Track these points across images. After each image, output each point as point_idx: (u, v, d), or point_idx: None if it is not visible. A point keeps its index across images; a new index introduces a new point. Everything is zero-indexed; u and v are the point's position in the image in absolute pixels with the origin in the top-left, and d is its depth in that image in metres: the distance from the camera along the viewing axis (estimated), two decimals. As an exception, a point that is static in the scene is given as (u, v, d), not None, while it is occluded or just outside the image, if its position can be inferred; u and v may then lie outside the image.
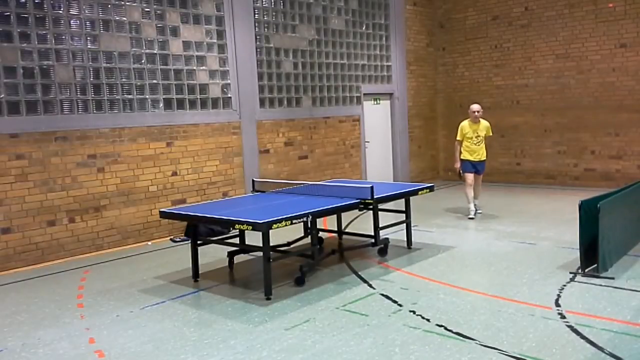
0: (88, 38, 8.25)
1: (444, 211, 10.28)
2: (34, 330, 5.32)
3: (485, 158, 9.81)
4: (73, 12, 8.09)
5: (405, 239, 7.75)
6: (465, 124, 9.77)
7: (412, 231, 7.83)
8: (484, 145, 9.75)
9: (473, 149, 9.67)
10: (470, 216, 9.61)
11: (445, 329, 4.85)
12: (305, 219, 6.09)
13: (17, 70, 7.60)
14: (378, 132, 13.17)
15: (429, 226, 9.04)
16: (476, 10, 13.76)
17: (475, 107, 9.77)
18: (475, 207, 9.79)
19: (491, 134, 9.87)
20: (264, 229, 5.57)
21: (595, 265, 6.07)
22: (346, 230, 8.49)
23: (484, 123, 9.77)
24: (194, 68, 9.48)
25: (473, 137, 9.66)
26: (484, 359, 4.25)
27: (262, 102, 10.55)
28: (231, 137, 9.99)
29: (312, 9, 11.43)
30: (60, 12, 7.97)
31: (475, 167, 9.73)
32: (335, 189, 7.33)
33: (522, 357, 4.24)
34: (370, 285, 6.16)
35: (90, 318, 5.58)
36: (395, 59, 13.36)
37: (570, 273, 6.21)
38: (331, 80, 11.86)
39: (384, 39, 13.09)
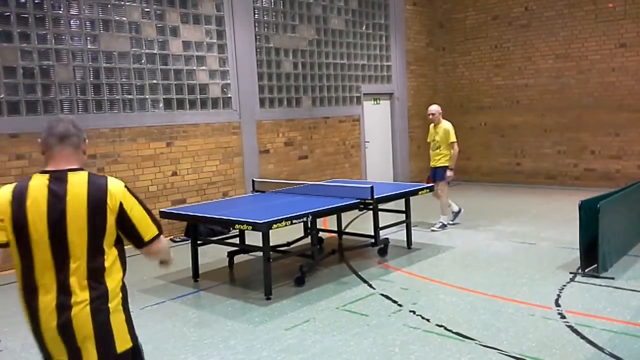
0: (88, 38, 8.25)
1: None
2: (34, 330, 5.31)
3: (441, 165, 8.77)
4: (73, 12, 8.09)
5: (405, 239, 7.74)
6: (431, 125, 9.08)
7: (412, 231, 7.83)
8: (443, 152, 8.75)
9: (431, 154, 9.02)
10: (434, 228, 8.83)
11: (445, 329, 4.85)
12: (305, 219, 6.10)
13: (17, 70, 7.60)
14: (378, 132, 13.17)
15: (429, 226, 9.04)
16: (476, 10, 13.76)
17: (429, 108, 9.00)
18: (446, 219, 8.93)
19: (453, 140, 8.70)
20: (264, 229, 5.57)
21: (595, 265, 6.07)
22: (346, 230, 8.49)
23: (443, 126, 8.79)
24: (194, 68, 9.48)
25: (431, 142, 9.01)
26: (484, 359, 4.25)
27: (262, 102, 10.55)
28: (231, 137, 9.99)
29: (312, 9, 11.43)
30: (60, 12, 7.97)
31: (432, 174, 9.00)
32: (335, 189, 7.33)
33: (522, 357, 4.25)
34: (370, 285, 6.16)
35: (90, 318, 5.58)
36: (395, 59, 13.36)
37: (570, 273, 6.22)
38: (331, 80, 11.86)
39: (384, 39, 13.09)
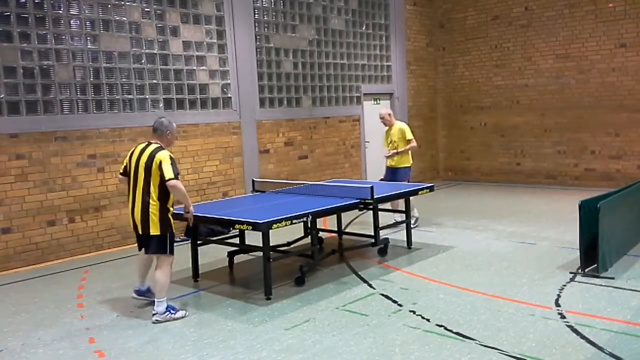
0: (88, 38, 8.25)
1: (444, 211, 10.28)
2: (34, 330, 5.32)
3: (401, 165, 8.83)
4: (73, 12, 8.09)
5: (405, 239, 7.74)
6: (385, 129, 9.13)
7: (412, 231, 7.83)
8: (402, 152, 8.79)
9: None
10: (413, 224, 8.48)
11: (445, 329, 4.85)
12: (305, 219, 6.09)
13: (17, 70, 7.60)
14: (378, 132, 13.11)
15: (429, 226, 9.04)
16: (476, 10, 13.76)
17: (379, 113, 9.08)
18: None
19: (410, 138, 8.77)
20: (264, 229, 5.57)
21: (595, 265, 6.07)
22: (346, 230, 8.49)
23: (398, 127, 8.87)
24: (194, 68, 9.48)
25: (387, 144, 9.01)
26: (484, 359, 4.25)
27: (262, 102, 10.55)
28: (231, 137, 9.99)
29: (312, 9, 11.43)
30: (60, 12, 7.97)
31: (389, 174, 8.96)
32: (335, 189, 7.33)
33: (522, 357, 4.24)
34: (370, 285, 6.16)
35: (90, 318, 5.59)
36: (395, 59, 13.36)
37: (570, 273, 6.22)
38: (331, 80, 11.86)
39: (384, 39, 13.09)
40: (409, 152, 8.89)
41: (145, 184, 5.28)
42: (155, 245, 5.40)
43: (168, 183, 5.20)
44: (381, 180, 9.12)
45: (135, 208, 5.34)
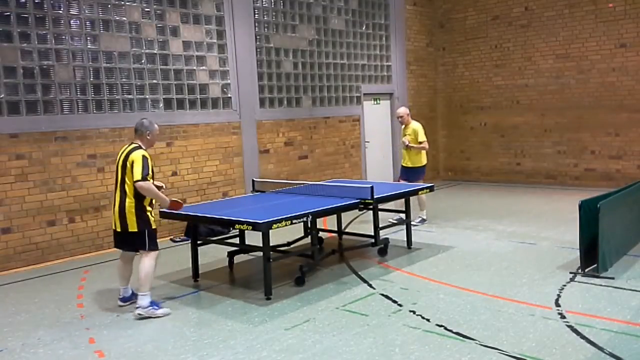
0: (88, 38, 8.25)
1: (444, 211, 10.28)
2: (34, 330, 5.32)
3: (415, 165, 9.21)
4: (73, 12, 8.09)
5: (405, 239, 7.74)
6: (402, 127, 9.50)
7: (412, 231, 7.83)
8: (416, 151, 9.18)
9: (402, 154, 9.44)
10: (414, 223, 8.65)
11: (445, 329, 4.85)
12: (305, 219, 6.09)
13: (17, 70, 7.60)
14: (378, 132, 13.16)
15: (429, 226, 9.04)
16: (476, 10, 13.76)
17: (397, 111, 9.56)
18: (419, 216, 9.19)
19: (422, 139, 9.11)
20: (264, 229, 5.57)
21: (595, 265, 6.07)
22: (346, 230, 8.49)
23: (412, 126, 9.21)
24: (194, 68, 9.48)
25: (402, 142, 9.38)
26: (484, 359, 4.25)
27: (262, 102, 10.54)
28: (231, 137, 9.99)
29: (312, 9, 11.42)
30: (60, 12, 7.96)
31: (404, 173, 9.34)
32: (335, 189, 7.33)
33: (522, 357, 4.24)
34: (370, 285, 6.16)
35: (90, 318, 5.59)
36: (395, 59, 13.36)
37: (570, 273, 6.22)
38: (331, 80, 11.86)
39: (384, 39, 13.09)
40: (422, 152, 9.21)
41: (122, 182, 5.50)
42: (134, 241, 5.56)
43: (135, 185, 5.34)
44: (399, 179, 9.53)
45: (115, 206, 5.55)
